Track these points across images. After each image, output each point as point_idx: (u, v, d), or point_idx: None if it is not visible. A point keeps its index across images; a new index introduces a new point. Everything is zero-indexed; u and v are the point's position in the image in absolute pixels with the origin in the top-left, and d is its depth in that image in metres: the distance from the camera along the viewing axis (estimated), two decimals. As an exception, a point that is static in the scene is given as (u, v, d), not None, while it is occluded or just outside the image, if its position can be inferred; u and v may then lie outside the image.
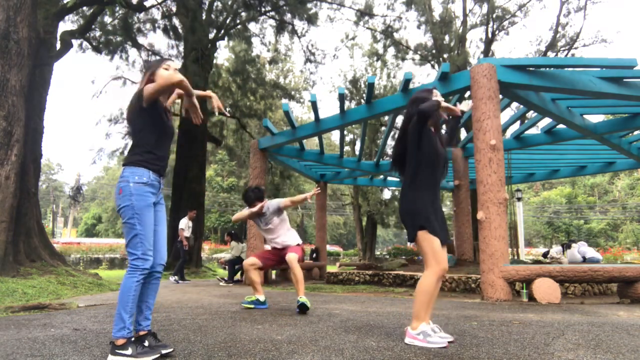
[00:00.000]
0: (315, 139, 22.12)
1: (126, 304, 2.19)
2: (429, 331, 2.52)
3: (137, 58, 14.55)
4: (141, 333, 2.31)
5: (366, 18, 17.14)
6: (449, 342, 2.50)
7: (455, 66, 13.72)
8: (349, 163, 11.04)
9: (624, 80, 6.32)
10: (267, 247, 4.76)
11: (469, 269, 7.96)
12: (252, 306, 4.39)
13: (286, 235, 4.53)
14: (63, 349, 2.45)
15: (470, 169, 10.68)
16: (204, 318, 3.67)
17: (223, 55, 68.92)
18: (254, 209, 4.42)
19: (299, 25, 14.93)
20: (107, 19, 12.61)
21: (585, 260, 9.64)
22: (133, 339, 2.22)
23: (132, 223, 2.23)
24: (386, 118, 14.00)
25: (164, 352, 2.25)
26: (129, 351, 2.13)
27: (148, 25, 13.69)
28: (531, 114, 9.39)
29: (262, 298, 4.45)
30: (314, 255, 12.34)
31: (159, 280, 2.42)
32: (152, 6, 13.19)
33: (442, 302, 4.90)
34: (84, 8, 11.32)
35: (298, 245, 4.48)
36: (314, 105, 8.01)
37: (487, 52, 16.38)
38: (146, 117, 2.34)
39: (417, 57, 18.06)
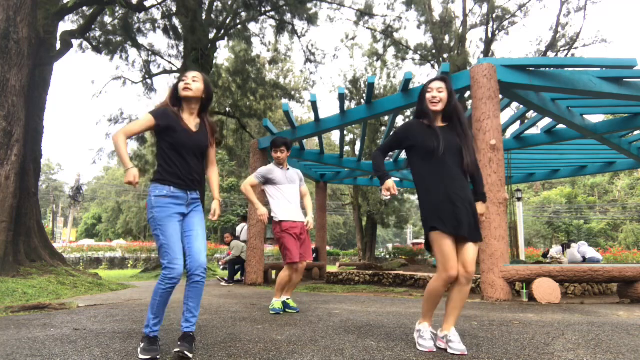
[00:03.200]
0: (315, 139, 22.12)
1: (152, 306, 2.35)
2: (424, 332, 2.50)
3: (137, 58, 14.56)
4: (183, 333, 2.39)
5: (366, 18, 17.12)
6: (456, 354, 2.33)
7: (455, 66, 13.71)
8: (349, 163, 11.04)
9: (624, 80, 6.32)
10: (280, 217, 4.19)
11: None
12: (291, 310, 4.13)
13: (300, 209, 4.29)
14: (63, 349, 2.45)
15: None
16: (204, 318, 3.67)
17: (223, 55, 68.98)
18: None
19: (299, 25, 14.92)
20: (107, 19, 12.60)
21: (585, 260, 9.64)
22: (152, 336, 2.34)
23: (157, 234, 2.36)
24: (386, 118, 14.01)
25: (186, 352, 2.25)
26: (142, 345, 2.32)
27: (148, 25, 13.68)
28: (531, 114, 9.39)
29: (284, 297, 4.24)
30: (314, 255, 12.36)
31: (200, 285, 2.41)
32: (152, 6, 13.18)
33: (442, 302, 4.90)
34: (84, 8, 11.32)
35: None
36: (314, 105, 8.02)
37: (487, 52, 16.37)
38: (158, 138, 2.50)
39: (417, 57, 18.05)
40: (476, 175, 2.59)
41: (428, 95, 2.57)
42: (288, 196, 4.24)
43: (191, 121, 2.53)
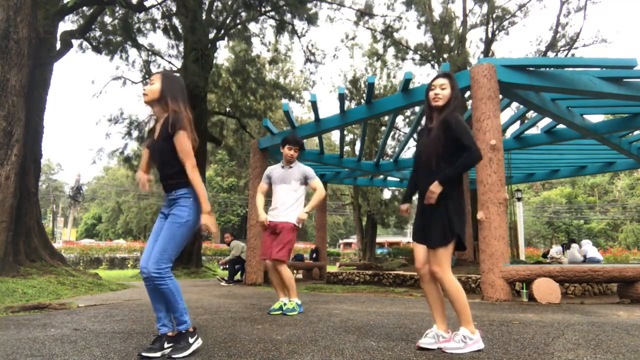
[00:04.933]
0: (315, 139, 22.09)
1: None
2: (428, 330, 2.50)
3: (137, 58, 14.55)
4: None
5: (366, 18, 17.13)
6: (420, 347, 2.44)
7: (455, 66, 13.71)
8: (349, 163, 11.04)
9: (624, 80, 6.32)
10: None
11: (469, 269, 7.96)
12: (280, 312, 4.01)
13: (287, 209, 4.17)
14: (63, 349, 2.45)
15: (470, 169, 10.68)
16: (204, 318, 3.67)
17: (223, 55, 69.00)
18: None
19: (299, 25, 14.93)
20: (107, 19, 12.61)
21: (585, 260, 9.65)
22: (154, 336, 2.41)
23: None
24: (386, 118, 14.00)
25: (144, 354, 2.25)
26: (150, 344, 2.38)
27: (148, 25, 13.68)
28: (531, 114, 9.39)
29: (284, 300, 4.14)
30: (314, 255, 12.35)
31: (151, 286, 2.32)
32: (152, 6, 13.19)
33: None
34: (84, 8, 11.31)
35: (292, 228, 4.12)
36: (314, 105, 8.02)
37: (487, 52, 16.37)
38: None
39: (417, 57, 18.04)
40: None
41: (431, 94, 2.55)
42: (276, 196, 4.24)
43: (157, 127, 2.45)
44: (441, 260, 2.39)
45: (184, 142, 2.33)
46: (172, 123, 2.33)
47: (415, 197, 2.77)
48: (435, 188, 2.37)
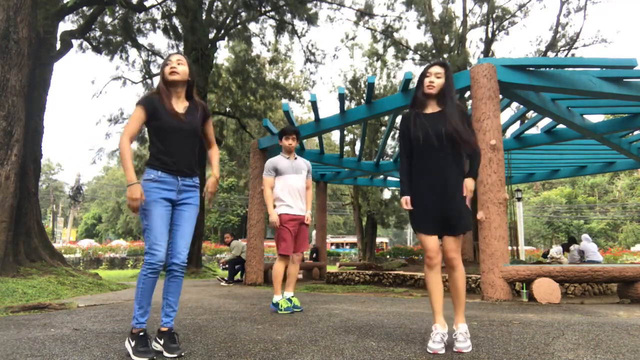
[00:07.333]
0: (315, 139, 22.10)
1: (136, 295, 2.32)
2: (434, 334, 2.38)
3: (137, 58, 14.55)
4: (162, 329, 2.37)
5: (366, 18, 17.12)
6: (454, 351, 2.33)
7: (455, 66, 13.70)
8: (349, 163, 11.04)
9: (624, 80, 6.32)
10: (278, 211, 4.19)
11: (469, 269, 7.96)
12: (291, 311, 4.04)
13: (302, 201, 4.25)
14: (63, 349, 2.45)
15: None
16: (204, 318, 3.67)
17: (223, 55, 69.03)
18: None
19: (299, 25, 14.93)
20: (107, 19, 12.60)
21: (582, 257, 9.64)
22: (142, 333, 2.27)
23: (141, 217, 2.34)
24: (386, 118, 14.01)
25: (168, 355, 2.24)
26: (132, 343, 2.24)
27: (148, 25, 13.69)
28: (531, 114, 9.39)
29: (278, 298, 4.17)
30: (314, 255, 12.35)
31: (179, 280, 2.41)
32: (152, 6, 13.19)
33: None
34: (84, 8, 11.31)
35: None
36: (314, 105, 8.02)
37: (487, 52, 16.36)
38: (147, 125, 2.47)
39: (417, 57, 18.02)
40: (473, 155, 2.51)
41: (426, 80, 2.52)
42: (292, 187, 4.20)
43: (179, 105, 2.46)
44: (460, 246, 2.46)
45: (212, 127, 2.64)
46: (206, 107, 2.56)
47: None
48: (472, 186, 2.47)
